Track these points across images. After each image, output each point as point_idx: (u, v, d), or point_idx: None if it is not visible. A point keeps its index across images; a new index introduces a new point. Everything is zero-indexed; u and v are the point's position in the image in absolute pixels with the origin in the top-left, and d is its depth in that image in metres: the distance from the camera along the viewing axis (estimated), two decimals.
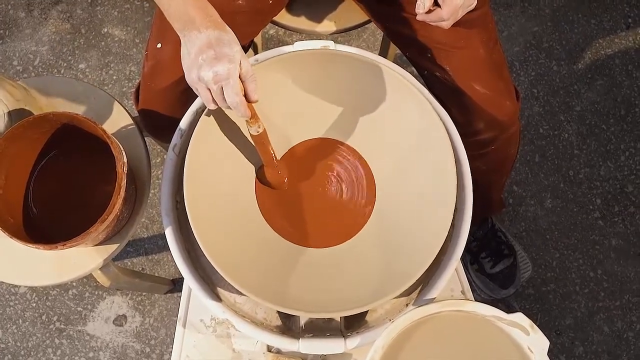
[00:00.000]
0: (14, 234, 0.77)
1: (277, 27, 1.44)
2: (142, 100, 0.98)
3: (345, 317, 0.76)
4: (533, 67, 1.63)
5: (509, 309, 1.37)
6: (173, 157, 0.80)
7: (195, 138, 0.75)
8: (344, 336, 0.72)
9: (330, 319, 0.74)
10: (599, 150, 1.55)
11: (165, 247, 1.47)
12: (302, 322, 0.74)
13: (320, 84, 0.82)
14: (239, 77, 0.70)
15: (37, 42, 1.65)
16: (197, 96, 0.83)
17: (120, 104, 0.99)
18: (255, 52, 1.31)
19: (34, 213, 0.89)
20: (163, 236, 1.48)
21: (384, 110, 0.81)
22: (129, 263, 1.48)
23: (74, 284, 1.44)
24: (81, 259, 0.91)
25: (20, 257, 0.90)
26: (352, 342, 0.72)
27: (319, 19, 1.10)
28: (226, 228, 0.76)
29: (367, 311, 0.77)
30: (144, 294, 1.44)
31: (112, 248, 0.92)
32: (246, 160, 0.83)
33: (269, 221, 0.81)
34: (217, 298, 0.75)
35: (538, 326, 0.67)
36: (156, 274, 1.47)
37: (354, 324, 0.76)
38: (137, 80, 1.59)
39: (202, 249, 0.70)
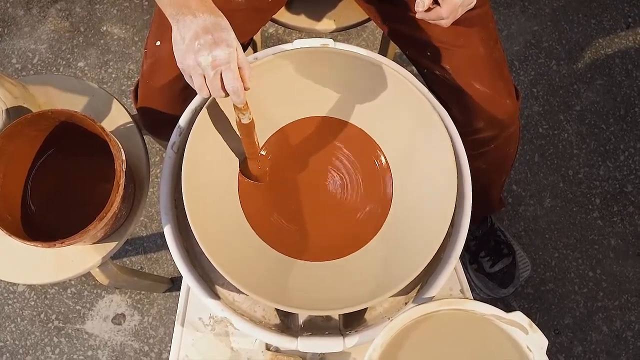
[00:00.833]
0: (12, 231, 0.77)
1: (276, 25, 1.44)
2: (141, 98, 0.97)
3: (344, 316, 0.76)
4: (533, 66, 1.63)
5: (508, 308, 1.37)
6: (172, 155, 0.80)
7: (193, 136, 0.75)
8: (342, 335, 0.72)
9: (329, 318, 0.74)
10: (599, 150, 1.55)
11: (164, 246, 1.47)
12: (301, 320, 0.74)
13: (319, 82, 0.82)
14: None
15: (36, 40, 1.65)
16: (197, 94, 0.82)
17: (119, 102, 0.99)
18: (255, 50, 1.31)
19: (32, 211, 0.89)
20: (162, 235, 1.48)
21: (384, 109, 0.81)
22: (128, 261, 1.48)
23: (73, 282, 1.44)
24: (80, 257, 0.91)
25: (19, 255, 0.90)
26: (350, 341, 0.71)
27: (318, 17, 1.10)
28: (225, 226, 0.76)
29: (366, 309, 0.77)
30: (142, 292, 1.44)
31: (110, 246, 0.91)
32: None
33: (256, 229, 0.79)
34: (216, 296, 0.75)
35: (537, 325, 0.67)
36: (155, 273, 1.47)
37: (352, 322, 0.76)
38: (136, 79, 1.59)
39: (200, 247, 0.70)
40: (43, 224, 0.88)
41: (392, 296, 0.76)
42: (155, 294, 1.44)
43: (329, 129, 0.84)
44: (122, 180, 0.79)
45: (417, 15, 0.73)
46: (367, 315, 0.77)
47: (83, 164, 0.91)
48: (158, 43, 0.92)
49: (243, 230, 0.78)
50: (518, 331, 0.67)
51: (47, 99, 0.97)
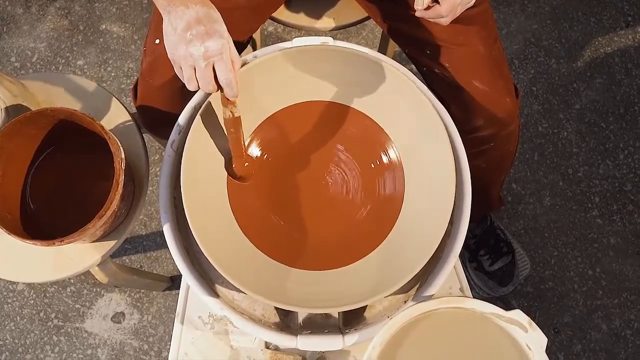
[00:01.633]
0: (12, 230, 0.77)
1: (275, 23, 1.43)
2: (140, 96, 0.97)
3: (344, 314, 0.76)
4: (532, 65, 1.63)
5: (508, 307, 1.37)
6: (171, 154, 0.80)
7: (193, 134, 0.75)
8: (342, 333, 0.72)
9: (329, 316, 0.74)
10: (598, 149, 1.55)
11: (164, 245, 1.47)
12: (300, 318, 0.74)
13: (318, 81, 0.82)
14: None
15: (35, 39, 1.65)
16: (196, 92, 0.82)
17: (119, 101, 0.99)
18: (254, 49, 1.31)
19: (32, 209, 0.89)
20: (161, 233, 1.48)
21: (383, 108, 0.81)
22: (127, 260, 1.48)
23: (72, 280, 1.44)
24: (79, 255, 0.90)
25: (18, 254, 0.90)
26: (350, 339, 0.71)
27: (318, 16, 1.10)
28: (224, 225, 0.76)
29: (365, 308, 0.77)
30: (142, 291, 1.44)
31: (110, 245, 0.91)
32: None
33: (247, 232, 0.77)
34: (215, 295, 0.75)
35: (536, 324, 0.67)
36: (154, 271, 1.47)
37: (352, 320, 0.76)
38: (136, 77, 1.59)
39: (200, 246, 0.69)
40: (42, 223, 0.88)
41: (391, 294, 0.75)
42: (154, 292, 1.44)
43: (328, 129, 0.84)
44: (122, 179, 0.79)
45: (417, 14, 0.73)
46: (366, 314, 0.77)
47: (82, 163, 0.91)
48: (157, 41, 0.92)
49: (235, 233, 0.77)
50: (517, 329, 0.67)
51: (46, 98, 0.97)
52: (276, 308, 0.77)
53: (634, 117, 1.58)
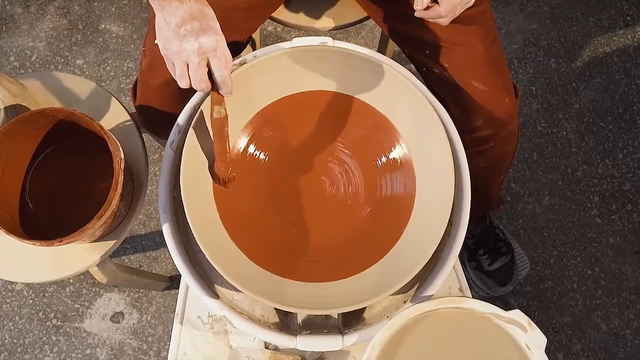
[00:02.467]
0: (10, 230, 0.77)
1: (275, 23, 1.43)
2: (139, 96, 0.97)
3: (343, 314, 0.76)
4: (531, 64, 1.63)
5: (507, 307, 1.37)
6: (170, 154, 0.80)
7: (192, 134, 0.75)
8: (341, 333, 0.72)
9: (328, 316, 0.74)
10: (597, 148, 1.55)
11: (163, 244, 1.47)
12: (300, 319, 0.74)
13: (318, 81, 0.82)
14: None
15: (34, 38, 1.64)
16: (195, 92, 0.82)
17: (118, 100, 0.99)
18: (254, 49, 1.31)
19: (31, 209, 0.89)
20: (160, 233, 1.48)
21: (382, 108, 0.81)
22: (126, 260, 1.48)
23: (71, 280, 1.44)
24: (78, 255, 0.90)
25: (17, 254, 0.90)
26: (349, 339, 0.71)
27: (317, 16, 1.10)
28: (223, 225, 0.76)
29: (365, 308, 0.77)
30: (141, 291, 1.44)
31: (109, 244, 0.91)
32: None
33: (240, 244, 0.75)
34: (215, 295, 0.75)
35: (536, 323, 0.67)
36: (153, 271, 1.46)
37: (351, 321, 0.76)
38: (135, 77, 1.59)
39: (199, 245, 0.69)
40: (41, 223, 0.88)
41: (391, 295, 0.75)
42: (153, 292, 1.43)
43: (328, 129, 0.83)
44: (121, 179, 0.79)
45: (416, 14, 0.73)
46: (366, 314, 0.77)
47: (81, 162, 0.91)
48: (157, 41, 0.91)
49: (225, 242, 0.75)
50: (517, 329, 0.67)
51: (45, 97, 0.97)
52: (275, 308, 0.77)
53: (633, 116, 1.58)
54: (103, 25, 1.66)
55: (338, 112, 0.82)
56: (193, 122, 0.75)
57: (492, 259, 1.38)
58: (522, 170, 1.53)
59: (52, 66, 1.62)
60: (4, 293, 1.43)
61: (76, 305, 1.43)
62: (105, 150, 0.80)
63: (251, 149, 0.82)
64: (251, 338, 0.79)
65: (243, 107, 0.80)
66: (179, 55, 0.67)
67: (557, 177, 1.53)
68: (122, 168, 0.79)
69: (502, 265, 1.38)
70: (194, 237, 0.70)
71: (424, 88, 0.83)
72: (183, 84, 0.69)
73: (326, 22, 1.10)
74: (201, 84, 0.68)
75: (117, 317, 1.42)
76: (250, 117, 0.81)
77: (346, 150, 0.83)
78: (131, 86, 1.02)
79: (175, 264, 0.75)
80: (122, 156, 0.80)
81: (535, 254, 1.47)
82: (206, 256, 0.69)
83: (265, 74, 0.79)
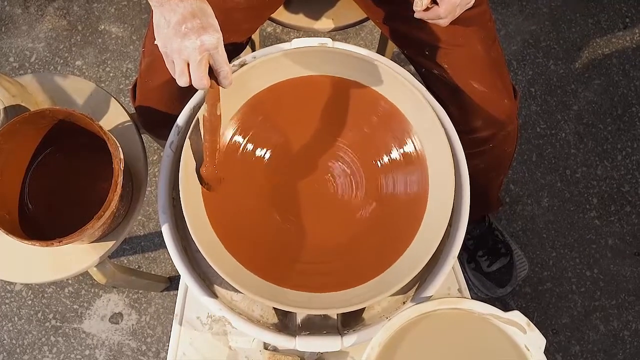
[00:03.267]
0: (10, 230, 0.77)
1: (274, 24, 1.43)
2: (139, 97, 0.97)
3: (342, 315, 0.76)
4: (530, 66, 1.63)
5: (506, 308, 1.37)
6: (170, 154, 0.80)
7: (191, 135, 0.75)
8: (340, 334, 0.72)
9: (327, 317, 0.74)
10: (596, 150, 1.56)
11: (162, 245, 1.47)
12: (299, 319, 0.74)
13: (317, 81, 0.82)
14: None
15: (33, 39, 1.64)
16: (195, 92, 0.82)
17: (117, 101, 0.99)
18: (253, 50, 1.31)
19: (30, 209, 0.89)
20: (159, 234, 1.48)
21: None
22: (125, 261, 1.48)
23: (70, 281, 1.44)
24: (77, 256, 0.90)
25: (16, 254, 0.89)
26: (348, 340, 0.71)
27: (316, 17, 1.10)
28: (223, 225, 0.76)
29: (364, 309, 0.77)
30: (140, 291, 1.44)
31: (108, 245, 0.91)
32: None
33: (233, 252, 0.73)
34: (214, 295, 0.75)
35: (535, 325, 0.67)
36: (152, 272, 1.46)
37: (350, 321, 0.76)
38: (134, 77, 1.59)
39: (198, 246, 0.69)
40: (41, 223, 0.88)
41: (390, 295, 0.75)
42: (152, 293, 1.43)
43: (329, 129, 0.83)
44: (120, 179, 0.79)
45: (416, 15, 0.73)
46: (365, 315, 0.77)
47: (81, 163, 0.91)
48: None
49: (219, 247, 0.74)
50: (516, 330, 0.67)
51: (44, 98, 0.97)
52: (275, 309, 0.77)
53: (632, 118, 1.58)
54: (102, 26, 1.66)
55: (343, 99, 0.81)
56: (193, 123, 0.75)
57: (491, 260, 1.38)
58: (521, 171, 1.54)
59: (52, 67, 1.62)
60: (2, 294, 1.43)
61: (75, 306, 1.43)
62: (105, 150, 0.80)
63: (249, 146, 0.81)
64: (250, 338, 0.79)
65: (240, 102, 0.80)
66: (180, 53, 0.67)
67: (556, 178, 1.53)
68: (122, 169, 0.79)
69: (501, 267, 1.38)
70: (192, 238, 0.70)
71: (424, 89, 0.83)
72: (182, 81, 0.69)
73: (326, 23, 1.10)
74: (203, 81, 0.68)
75: (116, 317, 1.42)
76: (240, 106, 0.80)
77: (349, 150, 0.83)
78: (130, 87, 1.02)
79: (175, 264, 0.75)
80: (122, 157, 0.80)
81: (534, 255, 1.47)
82: (204, 256, 0.69)
83: (267, 75, 0.79)
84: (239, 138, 0.80)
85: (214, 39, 0.66)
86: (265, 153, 0.82)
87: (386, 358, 0.66)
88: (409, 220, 0.77)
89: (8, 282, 1.43)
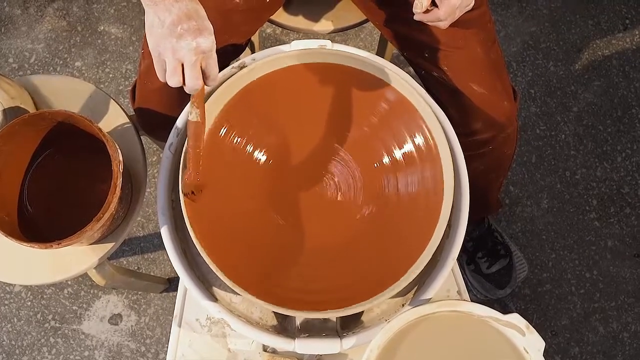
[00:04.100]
0: (9, 232, 0.77)
1: (274, 26, 1.44)
2: (138, 98, 0.97)
3: (341, 317, 0.76)
4: (530, 67, 1.63)
5: (505, 309, 1.38)
6: (169, 156, 0.80)
7: None
8: (339, 336, 0.72)
9: (326, 319, 0.74)
10: (596, 151, 1.56)
11: (161, 246, 1.47)
12: (298, 322, 0.74)
13: (318, 83, 0.82)
14: None
15: (33, 40, 1.64)
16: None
17: (117, 102, 0.99)
18: (253, 51, 1.31)
19: (29, 211, 0.89)
20: (158, 235, 1.47)
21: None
22: (125, 262, 1.48)
23: (70, 282, 1.44)
24: (76, 257, 0.90)
25: (15, 256, 0.89)
26: (347, 342, 0.71)
27: (316, 18, 1.10)
28: (222, 227, 0.76)
29: (363, 311, 0.77)
30: (139, 293, 1.44)
31: (107, 247, 0.91)
32: None
33: (211, 253, 0.70)
34: (213, 298, 0.75)
35: (534, 327, 0.67)
36: (152, 273, 1.46)
37: (349, 324, 0.76)
38: (134, 79, 1.59)
39: (197, 248, 0.69)
40: (40, 225, 0.88)
41: (389, 298, 0.75)
42: (152, 294, 1.43)
43: (330, 132, 0.83)
44: (119, 181, 0.79)
45: (415, 17, 0.73)
46: (364, 317, 0.77)
47: (80, 165, 0.91)
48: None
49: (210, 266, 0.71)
50: (515, 333, 0.67)
51: (44, 100, 0.97)
52: (274, 311, 0.77)
53: (631, 120, 1.58)
54: (102, 27, 1.66)
55: (347, 88, 0.81)
56: None
57: (490, 262, 1.38)
58: (521, 173, 1.54)
59: (51, 68, 1.62)
60: (2, 295, 1.43)
61: (74, 307, 1.43)
62: (104, 152, 0.80)
63: (248, 148, 0.81)
64: (249, 341, 0.79)
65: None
66: (174, 53, 0.67)
67: (555, 180, 1.53)
68: (121, 171, 0.79)
69: (500, 268, 1.38)
70: (192, 240, 0.70)
71: (423, 91, 0.83)
72: (173, 82, 0.69)
73: (325, 25, 1.10)
74: (198, 81, 0.69)
75: (115, 319, 1.42)
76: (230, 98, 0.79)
77: (347, 154, 0.83)
78: (130, 88, 1.02)
79: (174, 266, 0.75)
80: (121, 159, 0.80)
81: (533, 256, 1.47)
82: (203, 258, 0.69)
83: (265, 76, 0.79)
84: (235, 138, 0.80)
85: (209, 42, 0.67)
86: (262, 154, 0.82)
87: None
88: (411, 223, 0.77)
89: (7, 283, 1.43)
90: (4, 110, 0.85)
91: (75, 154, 0.90)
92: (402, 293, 0.77)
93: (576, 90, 1.61)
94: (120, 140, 0.95)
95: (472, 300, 0.70)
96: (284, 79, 0.80)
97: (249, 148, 0.81)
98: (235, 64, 0.82)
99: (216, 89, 0.77)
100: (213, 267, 0.69)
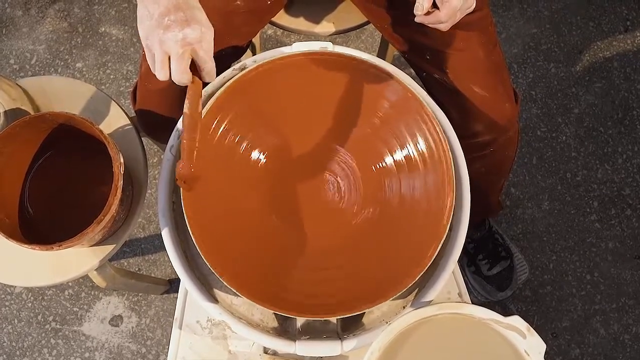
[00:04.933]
0: (10, 234, 0.77)
1: (275, 27, 1.43)
2: (139, 100, 0.97)
3: (342, 319, 0.76)
4: (531, 69, 1.63)
5: (506, 311, 1.38)
6: (170, 158, 0.80)
7: None
8: (340, 338, 0.72)
9: (327, 321, 0.74)
10: (597, 153, 1.55)
11: (162, 248, 1.47)
12: (299, 324, 0.74)
13: (318, 85, 0.82)
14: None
15: (34, 41, 1.65)
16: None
17: (117, 104, 0.99)
18: (254, 53, 1.31)
19: (30, 213, 0.89)
20: (159, 236, 1.48)
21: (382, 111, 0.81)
22: (125, 263, 1.48)
23: (70, 284, 1.44)
24: (77, 259, 0.90)
25: (16, 258, 0.89)
26: (348, 345, 0.71)
27: (317, 20, 1.10)
28: (223, 229, 0.76)
29: (364, 313, 0.77)
30: (140, 294, 1.44)
31: (108, 249, 0.91)
32: None
33: (222, 274, 0.70)
34: (214, 299, 0.75)
35: (534, 328, 0.67)
36: (152, 275, 1.46)
37: (350, 326, 0.76)
38: (135, 80, 1.59)
39: (198, 250, 0.69)
40: (41, 227, 0.88)
41: (390, 300, 0.75)
42: (152, 295, 1.43)
43: (330, 132, 0.83)
44: (120, 183, 0.79)
45: (416, 19, 0.73)
46: (365, 319, 0.76)
47: (81, 167, 0.91)
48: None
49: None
50: (516, 335, 0.67)
51: (45, 101, 0.97)
52: (275, 313, 0.77)
53: (632, 121, 1.58)
54: (103, 29, 1.66)
55: (348, 89, 0.80)
56: None
57: (491, 264, 1.38)
58: (522, 174, 1.54)
59: (52, 69, 1.62)
60: (3, 296, 1.43)
61: (75, 309, 1.43)
62: (105, 154, 0.80)
63: (245, 146, 0.81)
64: (250, 343, 0.79)
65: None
66: (161, 45, 0.66)
67: (556, 181, 1.53)
68: (122, 173, 0.79)
69: (501, 270, 1.38)
70: (192, 241, 0.70)
71: (424, 93, 0.83)
72: (161, 75, 0.67)
73: (326, 26, 1.10)
74: (183, 75, 0.67)
75: (116, 320, 1.42)
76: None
77: (348, 155, 0.83)
78: (131, 90, 1.02)
79: (175, 268, 0.75)
80: (122, 160, 0.80)
81: (534, 258, 1.47)
82: (204, 259, 0.69)
83: (267, 77, 0.79)
84: (235, 138, 0.80)
85: (198, 33, 0.65)
86: (262, 155, 0.82)
87: None
88: (413, 226, 0.77)
89: (8, 285, 1.43)
90: (5, 112, 0.85)
91: (76, 156, 0.90)
92: (403, 295, 0.77)
93: (577, 91, 1.61)
94: (121, 141, 0.95)
95: (472, 302, 0.69)
96: (284, 80, 0.80)
97: (249, 148, 0.81)
98: (236, 65, 0.82)
99: (217, 90, 0.77)
100: (213, 269, 0.69)
